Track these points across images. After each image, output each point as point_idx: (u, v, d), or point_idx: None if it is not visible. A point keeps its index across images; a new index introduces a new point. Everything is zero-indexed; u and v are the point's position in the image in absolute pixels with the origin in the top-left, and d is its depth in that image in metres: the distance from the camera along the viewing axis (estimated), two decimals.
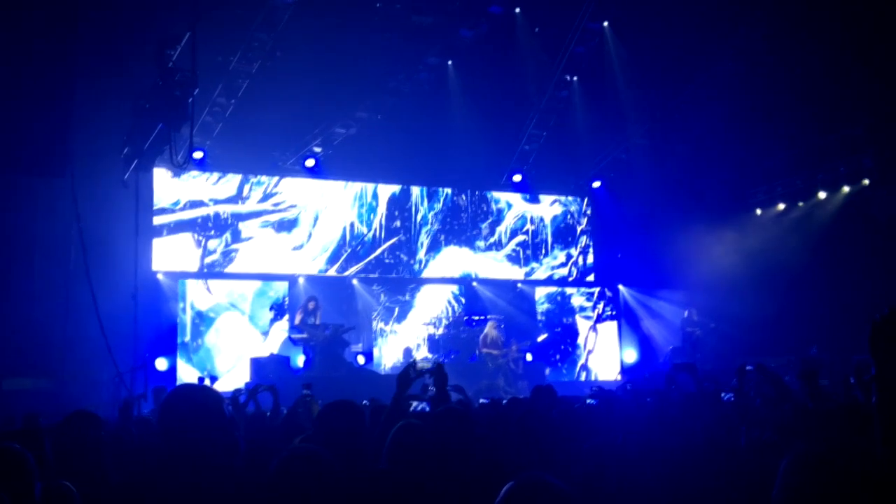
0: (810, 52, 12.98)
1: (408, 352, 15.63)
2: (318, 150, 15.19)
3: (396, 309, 16.34)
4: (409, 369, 4.42)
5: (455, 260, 17.22)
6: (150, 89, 11.30)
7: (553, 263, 18.13)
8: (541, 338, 16.24)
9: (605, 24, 14.49)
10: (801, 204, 16.39)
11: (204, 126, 13.50)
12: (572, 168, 17.69)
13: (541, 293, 17.82)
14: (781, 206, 16.71)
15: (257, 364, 13.20)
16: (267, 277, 15.51)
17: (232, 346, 14.43)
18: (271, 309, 15.00)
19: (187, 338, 14.47)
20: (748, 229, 16.94)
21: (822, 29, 12.68)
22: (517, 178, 16.94)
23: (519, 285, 17.60)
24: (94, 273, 11.52)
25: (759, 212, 17.10)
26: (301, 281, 15.59)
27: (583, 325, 17.90)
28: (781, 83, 13.64)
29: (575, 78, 15.42)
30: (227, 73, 13.07)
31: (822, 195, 15.89)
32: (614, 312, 18.13)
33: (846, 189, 15.54)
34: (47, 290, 11.80)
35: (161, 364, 13.33)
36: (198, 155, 13.42)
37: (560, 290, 18.02)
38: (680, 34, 13.55)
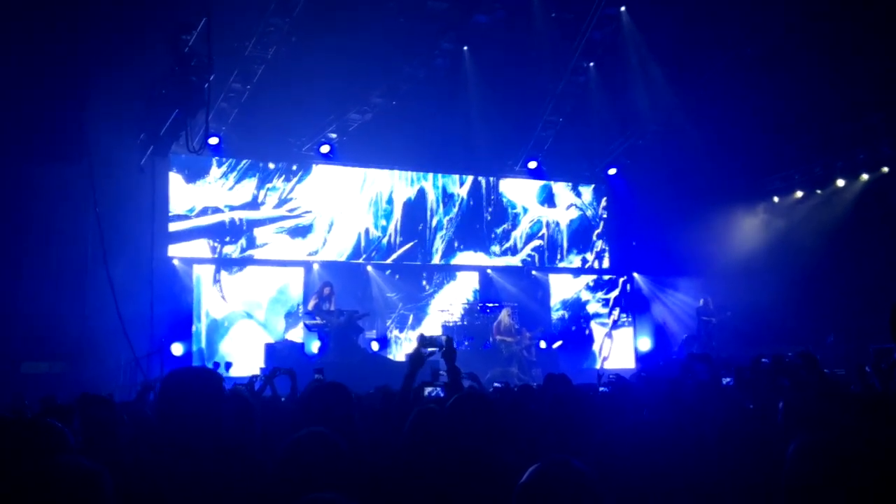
0: (830, 37, 12.82)
1: (421, 338, 15.61)
2: (333, 136, 15.19)
3: (411, 316, 16.30)
4: (419, 349, 4.39)
5: (469, 262, 17.25)
6: (165, 75, 11.35)
7: (569, 268, 18.13)
8: (556, 345, 16.14)
9: (623, 9, 14.36)
10: (819, 191, 16.25)
11: (219, 112, 13.52)
12: (588, 155, 17.60)
13: (556, 300, 17.68)
14: (799, 194, 16.58)
15: (272, 349, 13.26)
16: (282, 264, 15.56)
17: (247, 354, 14.16)
18: (286, 317, 15.00)
19: (203, 345, 14.46)
20: (765, 217, 16.85)
21: (842, 15, 12.52)
22: (532, 164, 16.88)
23: (533, 272, 17.56)
24: (111, 258, 11.62)
25: (776, 199, 16.97)
26: (316, 267, 15.62)
27: (598, 331, 17.75)
28: (800, 69, 13.49)
29: (591, 64, 15.30)
30: (243, 59, 13.06)
31: (840, 183, 15.75)
32: (630, 318, 18.01)
33: (865, 177, 15.39)
34: (65, 276, 11.89)
35: (177, 349, 13.42)
36: (213, 141, 13.43)
37: (576, 295, 17.92)
38: (697, 19, 13.42)
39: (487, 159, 16.79)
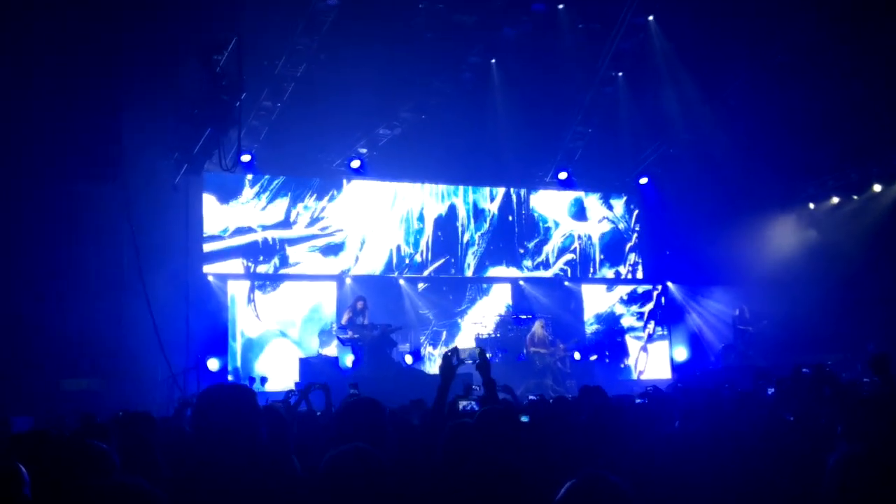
0: (860, 39, 12.65)
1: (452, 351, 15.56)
2: (363, 151, 15.28)
3: (444, 332, 16.29)
4: (450, 358, 4.37)
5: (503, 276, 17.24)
6: (197, 95, 11.49)
7: (602, 278, 18.05)
8: (592, 358, 16.00)
9: (651, 18, 14.30)
10: (855, 197, 16.01)
11: (251, 130, 13.68)
12: (619, 165, 17.51)
13: (590, 314, 17.58)
14: (835, 200, 16.34)
15: (306, 364, 13.31)
16: (315, 278, 15.66)
17: (282, 371, 14.20)
18: (319, 335, 15.07)
19: (238, 364, 14.56)
20: (801, 223, 16.62)
21: (871, 17, 12.36)
22: (563, 175, 16.83)
23: (566, 283, 17.49)
24: (147, 275, 11.78)
25: (812, 206, 16.74)
26: (348, 281, 15.70)
27: (633, 345, 17.59)
28: (832, 73, 13.31)
29: (620, 74, 15.24)
30: (273, 77, 13.21)
31: (877, 188, 15.50)
32: (666, 331, 17.83)
33: None
34: (101, 293, 12.06)
35: (213, 364, 13.53)
36: (245, 158, 13.57)
37: (610, 309, 17.80)
38: (726, 27, 13.32)
39: (517, 171, 16.79)
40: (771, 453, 3.21)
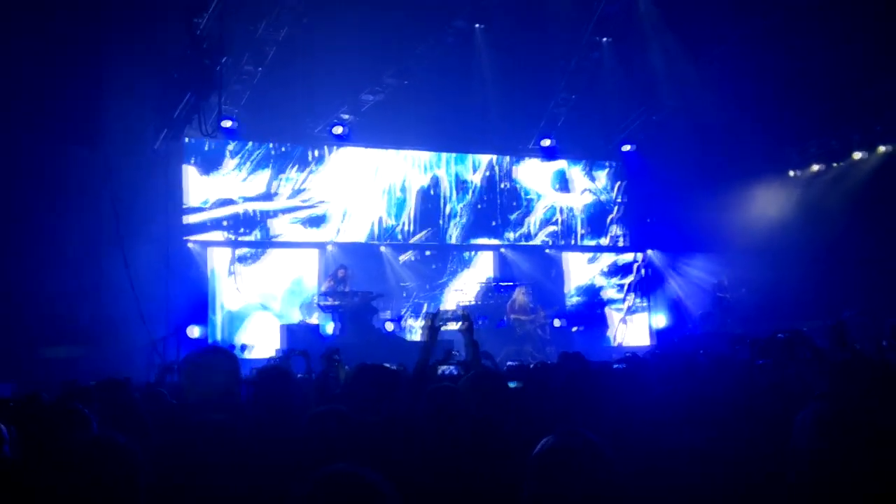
0: (844, 7, 12.63)
1: (436, 311, 15.60)
2: (346, 117, 15.16)
3: (426, 304, 16.27)
4: (434, 318, 4.40)
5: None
6: (178, 58, 11.34)
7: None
8: (574, 329, 16.07)
9: None
10: (836, 165, 16.09)
11: (232, 94, 13.51)
12: (603, 132, 17.46)
13: (571, 286, 17.66)
14: (816, 168, 16.42)
15: (289, 331, 13.33)
16: (297, 245, 15.61)
17: (264, 342, 14.17)
18: (301, 308, 15.03)
19: (218, 336, 14.48)
20: (782, 191, 16.70)
21: None
22: (546, 142, 16.77)
23: (547, 250, 17.54)
24: (127, 241, 11.69)
25: (792, 173, 16.82)
26: (330, 248, 15.67)
27: (614, 317, 17.63)
28: (816, 38, 13.30)
29: (606, 39, 15.16)
30: (254, 41, 13.03)
31: (857, 155, 15.59)
32: (646, 304, 17.92)
33: (882, 149, 15.22)
34: (81, 259, 11.97)
35: (193, 332, 13.48)
36: (227, 124, 13.43)
37: (591, 281, 17.87)
38: None
39: (502, 138, 16.72)
40: (744, 412, 3.26)
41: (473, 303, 15.59)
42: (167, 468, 2.72)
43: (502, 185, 17.42)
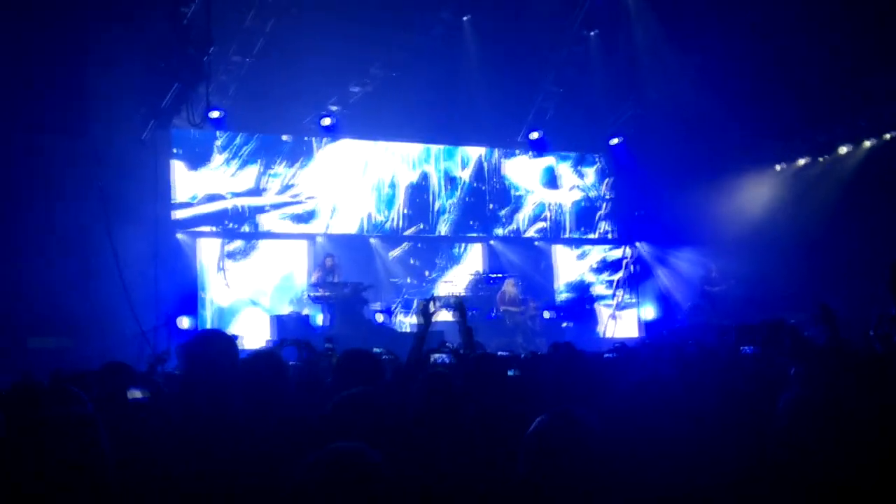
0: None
1: (430, 296, 15.58)
2: (334, 108, 15.14)
3: (416, 301, 16.22)
4: (427, 303, 4.44)
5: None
6: (165, 47, 11.29)
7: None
8: (564, 325, 16.11)
9: None
10: (821, 159, 16.21)
11: (219, 85, 13.44)
12: (591, 125, 17.51)
13: (561, 281, 17.75)
14: (802, 162, 16.54)
15: (279, 322, 13.31)
16: (286, 236, 15.58)
17: (254, 333, 14.16)
18: (291, 304, 15.00)
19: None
20: (769, 185, 16.81)
21: None
22: (534, 135, 16.82)
23: (536, 243, 17.59)
24: (115, 231, 11.63)
25: (778, 167, 16.93)
26: (319, 240, 15.65)
27: (603, 312, 17.65)
28: (803, 31, 13.37)
29: (593, 32, 15.20)
30: (242, 32, 13.00)
31: (843, 150, 15.71)
32: (635, 299, 18.00)
33: (867, 143, 15.34)
34: (69, 250, 11.90)
35: (184, 322, 13.44)
36: (215, 115, 13.38)
37: (581, 277, 17.95)
38: None
39: (490, 130, 16.73)
40: (729, 398, 3.32)
41: (464, 294, 15.61)
42: (168, 453, 2.74)
43: (491, 182, 17.43)
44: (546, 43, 15.22)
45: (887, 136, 14.88)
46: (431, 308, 4.46)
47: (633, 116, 17.04)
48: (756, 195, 16.60)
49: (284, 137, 15.72)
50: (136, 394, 3.67)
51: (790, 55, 13.82)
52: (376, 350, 5.42)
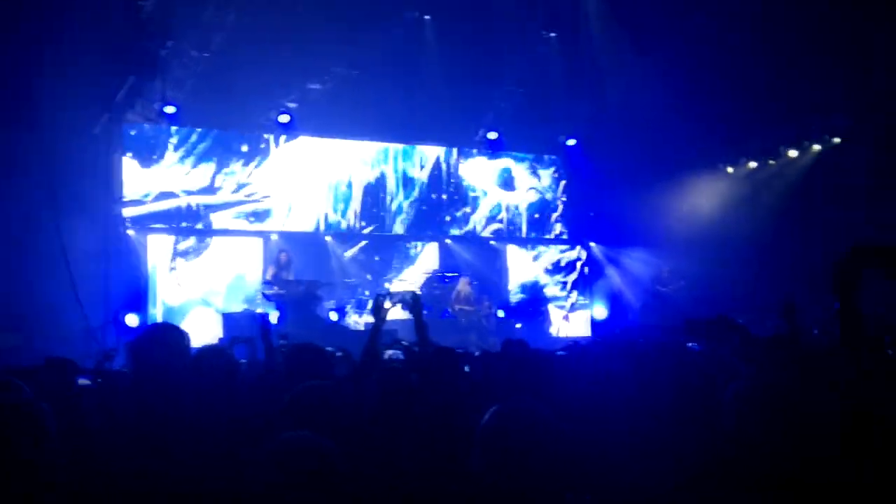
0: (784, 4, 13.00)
1: (385, 292, 15.49)
2: (292, 105, 15.02)
3: (370, 301, 16.07)
4: (381, 299, 4.43)
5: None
6: (121, 40, 11.12)
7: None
8: (518, 325, 16.20)
9: None
10: (771, 162, 16.57)
11: (176, 80, 13.26)
12: (547, 125, 17.63)
13: (514, 283, 17.83)
14: (753, 165, 16.89)
15: (230, 320, 13.15)
16: (241, 234, 15.41)
17: (204, 331, 13.93)
18: (244, 303, 14.81)
19: None
20: (720, 187, 17.13)
21: None
22: (492, 135, 16.89)
23: (492, 242, 17.68)
24: (64, 226, 11.42)
25: (730, 170, 17.26)
26: (274, 238, 15.51)
27: (556, 314, 17.76)
28: (754, 35, 13.65)
29: (552, 34, 15.33)
30: (200, 26, 12.81)
31: (792, 153, 16.09)
32: (588, 301, 18.17)
33: (816, 148, 15.73)
34: (16, 245, 11.65)
35: (132, 320, 13.20)
36: (170, 109, 13.19)
37: (535, 278, 18.07)
38: None
39: (448, 131, 16.77)
40: (678, 392, 3.40)
41: (417, 293, 15.58)
42: (118, 446, 2.72)
43: (448, 182, 17.47)
44: (506, 44, 15.29)
45: (835, 140, 15.28)
46: (386, 304, 4.45)
47: (589, 118, 17.20)
48: (708, 197, 16.91)
49: (241, 139, 15.48)
50: (84, 381, 3.63)
51: (742, 60, 14.11)
52: (329, 349, 5.40)
